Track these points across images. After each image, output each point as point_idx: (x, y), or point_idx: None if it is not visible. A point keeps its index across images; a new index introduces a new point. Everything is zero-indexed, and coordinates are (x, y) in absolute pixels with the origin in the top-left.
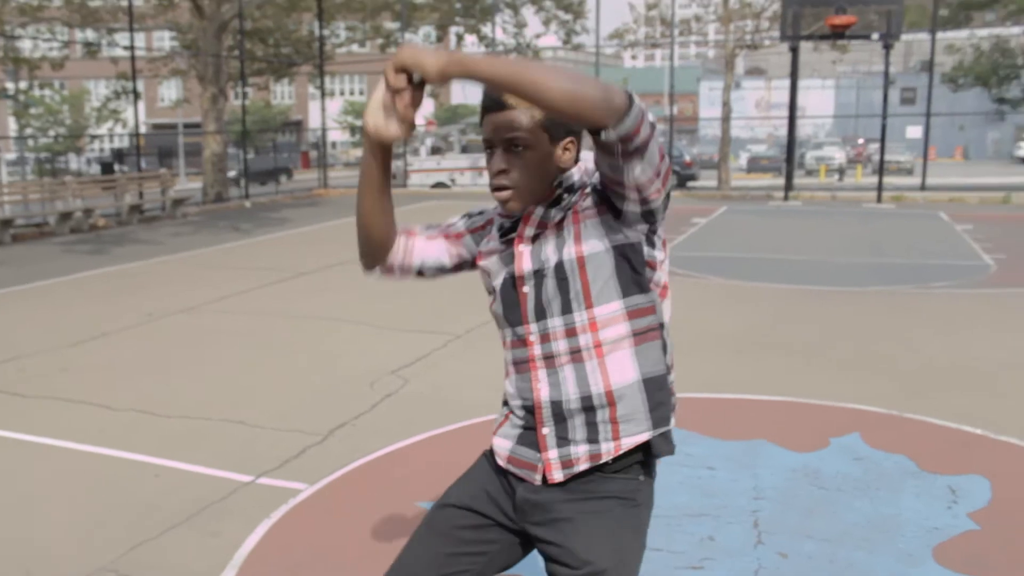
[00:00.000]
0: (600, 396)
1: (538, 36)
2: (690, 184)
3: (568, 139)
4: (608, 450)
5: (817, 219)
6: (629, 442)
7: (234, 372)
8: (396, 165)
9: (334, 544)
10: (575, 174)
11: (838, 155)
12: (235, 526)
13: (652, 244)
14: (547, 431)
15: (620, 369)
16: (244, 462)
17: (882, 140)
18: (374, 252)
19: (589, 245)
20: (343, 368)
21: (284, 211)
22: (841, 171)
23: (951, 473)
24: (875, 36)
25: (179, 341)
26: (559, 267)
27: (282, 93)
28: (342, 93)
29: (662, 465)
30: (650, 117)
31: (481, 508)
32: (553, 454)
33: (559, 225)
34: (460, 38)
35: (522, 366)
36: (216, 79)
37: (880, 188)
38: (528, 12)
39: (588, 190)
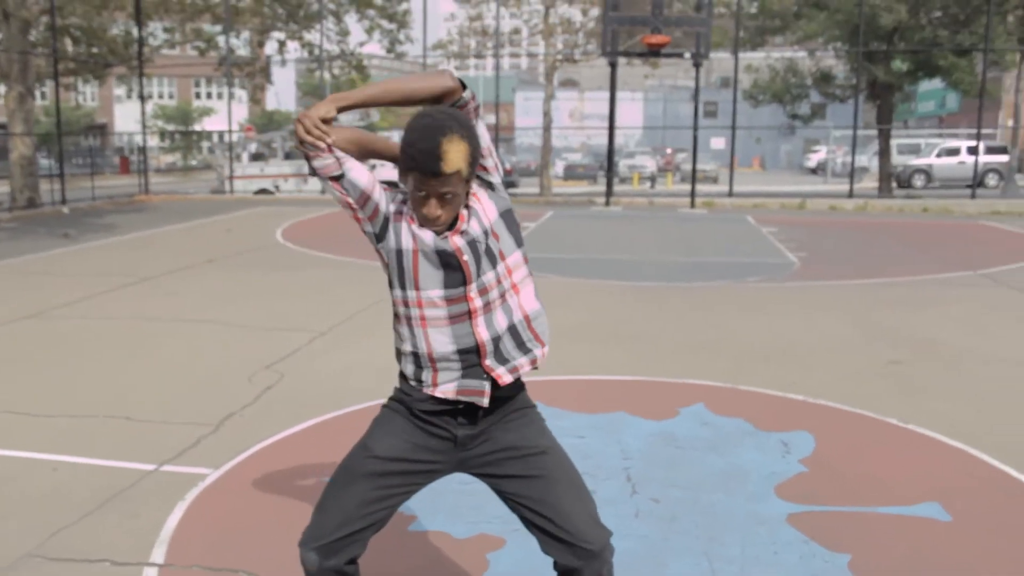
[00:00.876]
0: (521, 321)
1: (361, 44)
2: (511, 191)
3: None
4: (541, 354)
5: (639, 223)
6: (547, 349)
7: (105, 372)
8: (218, 172)
9: (255, 518)
10: None
11: (649, 164)
12: (151, 509)
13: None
14: (489, 361)
15: (528, 299)
16: (142, 453)
17: (694, 150)
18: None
19: (490, 213)
20: (214, 365)
21: (109, 217)
22: (653, 179)
23: (781, 430)
24: (687, 55)
25: (36, 345)
26: (485, 234)
27: (85, 95)
28: (150, 96)
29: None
30: (475, 101)
31: (410, 455)
32: (501, 370)
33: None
34: (282, 44)
35: (459, 318)
36: (23, 77)
37: (693, 194)
38: (351, 20)
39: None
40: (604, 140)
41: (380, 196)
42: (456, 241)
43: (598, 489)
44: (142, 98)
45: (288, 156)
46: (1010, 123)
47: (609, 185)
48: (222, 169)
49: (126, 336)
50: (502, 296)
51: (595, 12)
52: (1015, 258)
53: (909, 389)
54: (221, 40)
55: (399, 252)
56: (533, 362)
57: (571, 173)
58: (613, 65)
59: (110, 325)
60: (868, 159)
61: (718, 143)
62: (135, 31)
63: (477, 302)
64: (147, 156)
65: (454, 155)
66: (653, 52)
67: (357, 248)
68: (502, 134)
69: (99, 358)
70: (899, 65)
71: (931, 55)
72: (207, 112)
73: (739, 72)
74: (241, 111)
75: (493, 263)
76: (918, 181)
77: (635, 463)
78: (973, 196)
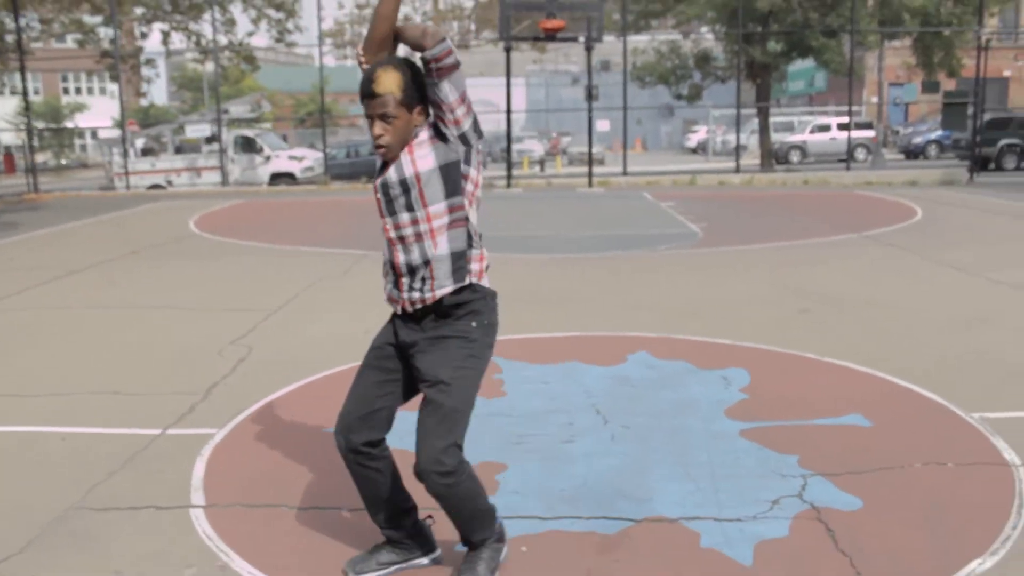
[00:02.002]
0: (424, 264)
1: (250, 35)
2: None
3: (419, 107)
4: (428, 297)
5: (543, 203)
6: (440, 293)
7: (76, 354)
8: (106, 169)
9: (274, 462)
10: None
11: (537, 148)
12: (174, 464)
13: (468, 162)
14: (404, 281)
15: (438, 245)
16: (142, 420)
17: (589, 132)
18: (373, 50)
19: (421, 164)
20: (180, 344)
21: (4, 216)
22: (542, 162)
23: (719, 368)
24: (580, 38)
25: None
26: (403, 182)
27: None
28: (15, 91)
29: (513, 384)
30: (455, 55)
31: (389, 341)
32: (406, 295)
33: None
34: (166, 35)
35: (388, 244)
36: None
37: (591, 174)
38: (236, 10)
39: (423, 128)
40: (489, 127)
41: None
42: (377, 182)
43: (574, 422)
44: (25, 93)
45: (179, 150)
46: (874, 99)
47: (509, 167)
48: (111, 166)
49: (84, 322)
50: (417, 236)
51: None
52: (890, 222)
53: (820, 330)
54: (102, 32)
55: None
56: (422, 301)
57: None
58: (508, 50)
59: (63, 314)
60: (747, 137)
61: (603, 125)
62: (8, 22)
63: (392, 234)
64: (34, 155)
65: (385, 79)
66: (549, 36)
67: (276, 235)
68: None
69: (65, 343)
70: (774, 46)
71: (803, 36)
72: (79, 108)
73: (619, 55)
74: (114, 107)
75: (409, 207)
76: (794, 157)
77: (599, 399)
78: (848, 168)
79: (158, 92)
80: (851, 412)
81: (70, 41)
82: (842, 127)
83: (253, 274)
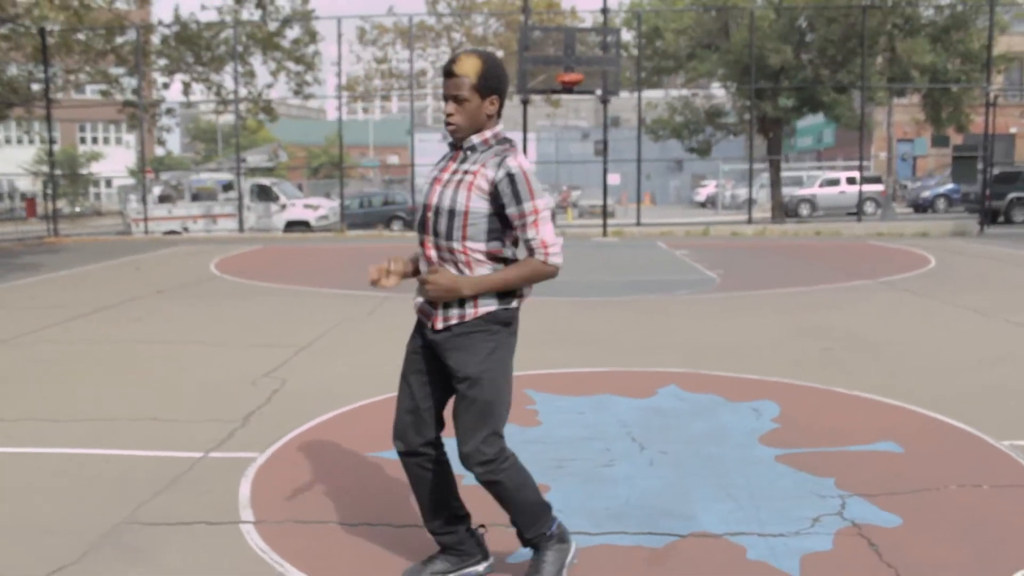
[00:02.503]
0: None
1: (269, 87)
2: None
3: (492, 96)
4: (471, 313)
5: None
6: (483, 311)
7: (111, 385)
8: (124, 215)
9: (320, 482)
10: (486, 134)
11: (549, 200)
12: (220, 483)
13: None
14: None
15: (480, 272)
16: (184, 444)
17: (604, 183)
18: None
19: (475, 205)
20: (214, 376)
21: (25, 258)
22: (553, 214)
23: (749, 400)
24: (598, 92)
25: (27, 367)
26: (450, 210)
27: None
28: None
29: (548, 414)
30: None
31: (422, 343)
32: (439, 313)
33: (461, 177)
34: (187, 86)
35: (422, 252)
36: None
37: (605, 224)
38: (256, 62)
39: (487, 175)
40: None
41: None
42: (432, 195)
43: (611, 448)
44: (51, 142)
45: (196, 197)
46: (882, 155)
47: None
48: (128, 212)
49: (115, 355)
50: (451, 260)
51: (500, 53)
52: (904, 269)
53: (845, 367)
54: (125, 82)
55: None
56: (461, 317)
57: None
58: (525, 103)
59: (94, 347)
60: (756, 191)
61: (613, 179)
62: (35, 71)
63: (432, 253)
64: (56, 200)
65: (465, 62)
66: (566, 89)
67: (299, 279)
68: (396, 175)
69: (98, 374)
70: (785, 101)
71: (814, 92)
72: (95, 157)
73: (631, 111)
74: (129, 156)
75: (449, 235)
76: (804, 210)
77: (633, 428)
78: (859, 220)
79: (172, 143)
80: (883, 440)
81: (89, 92)
82: (851, 181)
83: (279, 313)
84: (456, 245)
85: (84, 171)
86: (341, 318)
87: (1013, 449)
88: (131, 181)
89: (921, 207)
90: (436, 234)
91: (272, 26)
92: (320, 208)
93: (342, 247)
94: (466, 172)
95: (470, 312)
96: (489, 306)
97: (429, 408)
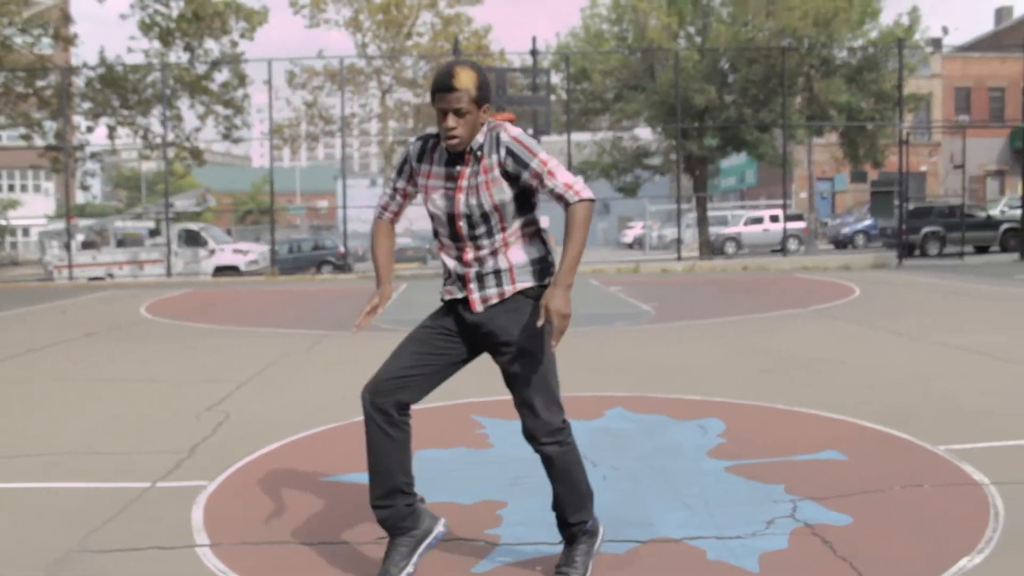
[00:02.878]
0: (506, 269)
1: (197, 130)
2: (345, 275)
3: (485, 105)
4: (510, 290)
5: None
6: (520, 287)
7: (48, 422)
8: (44, 262)
9: (272, 507)
10: (480, 135)
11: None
12: (170, 510)
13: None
14: (472, 285)
15: (516, 255)
16: (130, 475)
17: None
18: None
19: (501, 197)
20: (157, 411)
21: None
22: None
23: (695, 418)
24: (529, 132)
25: None
26: (482, 212)
27: None
28: None
29: (498, 437)
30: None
31: (448, 326)
32: (477, 295)
33: (476, 179)
34: (112, 130)
35: (455, 255)
36: None
37: None
38: (184, 105)
39: (493, 162)
40: (428, 224)
41: (410, 184)
42: (457, 204)
43: None
44: None
45: (121, 243)
46: (803, 194)
47: None
48: (50, 259)
49: (52, 393)
50: (492, 252)
51: (428, 97)
52: (830, 298)
53: (783, 386)
54: (47, 125)
55: (434, 207)
56: (500, 295)
57: (401, 256)
58: None
59: (28, 386)
60: (683, 231)
61: (543, 222)
62: None
63: (470, 254)
64: None
65: (463, 76)
66: None
67: (233, 319)
68: (324, 220)
69: (35, 411)
70: (710, 140)
71: (738, 131)
72: (12, 204)
73: (567, 152)
74: (48, 204)
75: (489, 232)
76: (730, 248)
77: (584, 447)
78: (784, 255)
79: (94, 190)
80: (827, 449)
81: (6, 138)
82: (774, 219)
83: (217, 352)
84: (498, 237)
85: (1, 220)
86: (279, 354)
87: (949, 453)
88: (52, 226)
89: (841, 243)
90: (475, 237)
91: (200, 69)
92: (250, 253)
93: (274, 290)
94: (478, 173)
95: (508, 289)
96: (526, 282)
97: (422, 376)
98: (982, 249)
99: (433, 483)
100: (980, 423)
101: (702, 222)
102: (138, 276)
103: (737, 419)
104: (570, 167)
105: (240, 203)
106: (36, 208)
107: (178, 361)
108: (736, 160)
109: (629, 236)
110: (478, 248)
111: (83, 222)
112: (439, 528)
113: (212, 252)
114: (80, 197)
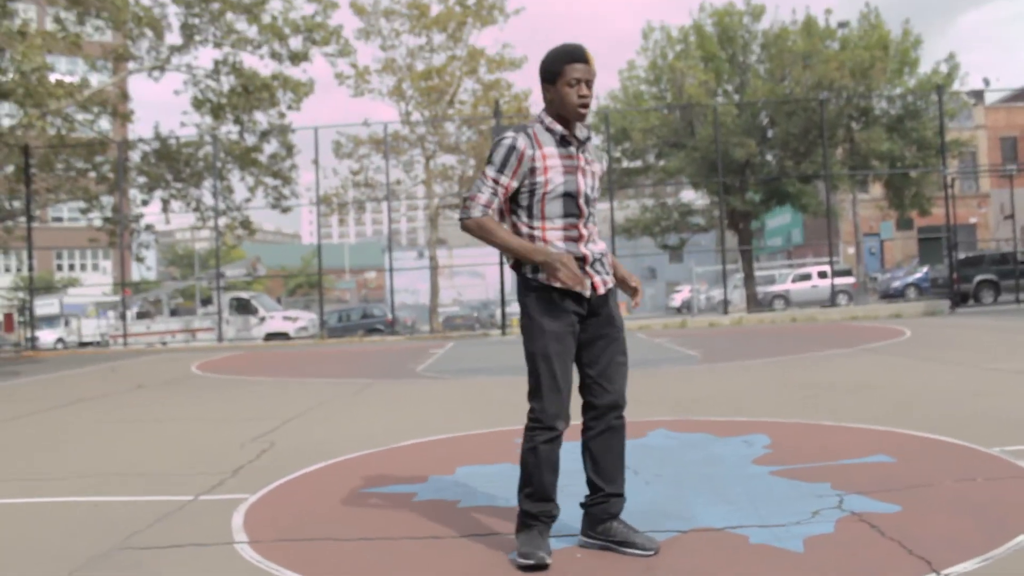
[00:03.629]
0: (606, 254)
1: (247, 201)
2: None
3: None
4: (610, 278)
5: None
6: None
7: (98, 451)
8: (101, 332)
9: (311, 512)
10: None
11: None
12: (211, 516)
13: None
14: (596, 267)
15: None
16: (173, 490)
17: None
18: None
19: (594, 175)
20: (201, 442)
21: (6, 367)
22: None
23: (739, 435)
24: None
25: (9, 439)
26: (593, 187)
27: None
28: (8, 269)
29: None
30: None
31: (579, 313)
32: (599, 277)
33: (588, 165)
34: (166, 203)
35: (575, 235)
36: None
37: None
38: (234, 178)
39: (591, 157)
40: (476, 295)
41: (517, 179)
42: (580, 183)
43: (572, 482)
44: (29, 254)
45: (174, 313)
46: (851, 250)
47: (503, 317)
48: (107, 328)
49: (102, 429)
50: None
51: (472, 162)
52: (880, 339)
53: (829, 407)
54: (104, 200)
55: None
56: (606, 283)
57: (450, 324)
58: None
59: (78, 425)
60: (730, 291)
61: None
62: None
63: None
64: (33, 315)
65: (589, 54)
66: None
67: (282, 372)
68: (372, 296)
69: (86, 443)
70: (753, 195)
71: (780, 184)
72: (72, 283)
73: (610, 214)
74: (106, 281)
75: (593, 203)
76: (778, 305)
77: (631, 461)
78: (834, 305)
79: (149, 266)
80: (875, 453)
81: (67, 218)
82: (822, 275)
83: (265, 397)
84: (595, 220)
85: (63, 296)
86: (327, 398)
87: (1004, 453)
88: (113, 298)
89: (892, 297)
90: (590, 215)
91: (250, 140)
92: (299, 320)
93: (323, 350)
94: (589, 162)
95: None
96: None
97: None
98: None
99: (475, 492)
100: None
101: (749, 277)
102: (191, 343)
103: (783, 434)
104: (613, 228)
105: (290, 277)
106: (95, 287)
107: (226, 403)
108: (782, 220)
109: (677, 300)
110: (588, 228)
111: (152, 293)
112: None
113: (262, 319)
114: (135, 272)
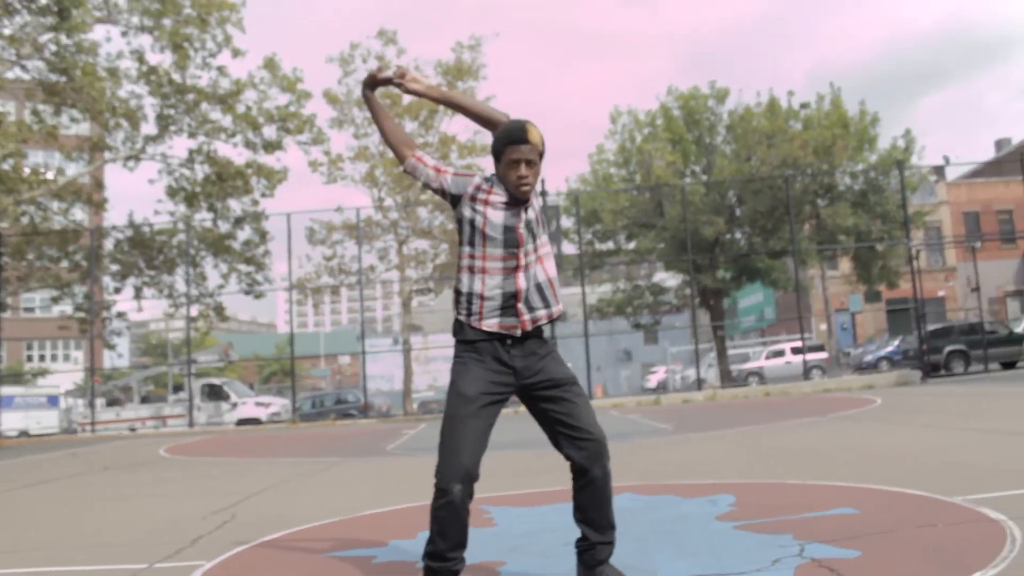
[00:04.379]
0: (546, 281)
1: (220, 287)
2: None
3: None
4: (558, 309)
5: (519, 421)
6: (555, 310)
7: (56, 525)
8: (70, 419)
9: (272, 571)
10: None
11: None
12: None
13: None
14: (521, 306)
15: (550, 268)
16: (129, 559)
17: None
18: (397, 153)
19: (533, 214)
20: (165, 515)
21: None
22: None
23: (705, 495)
24: None
25: None
26: (530, 225)
27: None
28: None
29: (503, 518)
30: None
31: (492, 389)
32: (527, 316)
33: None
34: (138, 291)
35: (509, 271)
36: None
37: None
38: (207, 265)
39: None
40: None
41: (444, 180)
42: (519, 221)
43: (569, 535)
44: None
45: (145, 400)
46: (822, 326)
47: None
48: (75, 416)
49: (61, 504)
50: (535, 261)
51: (444, 246)
52: (852, 407)
53: (797, 468)
54: (76, 288)
55: (472, 222)
56: (549, 316)
57: (425, 408)
58: None
59: (36, 504)
60: (704, 370)
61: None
62: None
63: (523, 260)
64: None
65: (533, 132)
66: None
67: (250, 454)
68: (347, 383)
69: (43, 518)
70: (723, 273)
71: (750, 260)
72: (42, 372)
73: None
74: (76, 372)
75: (533, 240)
76: (752, 382)
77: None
78: (808, 379)
79: (121, 356)
80: (839, 506)
81: (38, 307)
82: (795, 351)
83: (232, 475)
84: (539, 247)
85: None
86: (295, 474)
87: (966, 501)
88: (79, 389)
89: (865, 370)
90: (528, 244)
91: (223, 227)
92: (272, 405)
93: (294, 434)
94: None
95: (558, 308)
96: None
97: (483, 452)
98: (1008, 365)
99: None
100: (1000, 479)
101: (722, 354)
102: (161, 430)
103: (749, 493)
104: (585, 310)
105: (264, 365)
106: (65, 375)
107: (192, 480)
108: (754, 299)
109: (653, 381)
110: (526, 255)
111: (122, 381)
112: None
113: (234, 405)
114: (107, 359)
